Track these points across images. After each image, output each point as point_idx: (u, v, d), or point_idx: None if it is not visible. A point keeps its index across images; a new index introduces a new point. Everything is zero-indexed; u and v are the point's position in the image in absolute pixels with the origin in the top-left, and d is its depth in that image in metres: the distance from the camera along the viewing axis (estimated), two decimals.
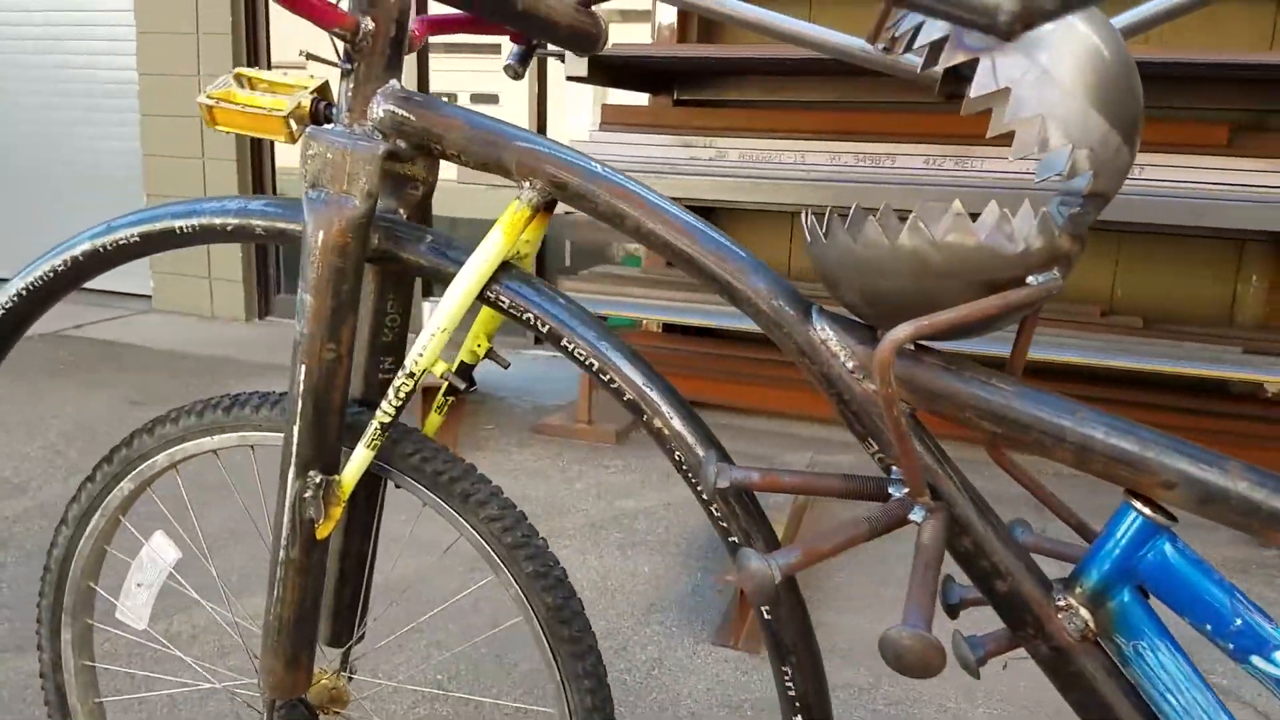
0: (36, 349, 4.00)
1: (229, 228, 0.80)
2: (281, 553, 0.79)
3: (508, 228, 0.73)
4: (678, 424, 0.73)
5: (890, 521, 0.62)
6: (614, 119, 3.42)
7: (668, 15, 3.43)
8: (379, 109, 0.74)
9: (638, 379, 0.73)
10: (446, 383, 0.85)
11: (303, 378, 0.75)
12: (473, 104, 4.46)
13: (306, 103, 0.76)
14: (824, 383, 0.68)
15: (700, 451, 0.72)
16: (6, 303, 0.87)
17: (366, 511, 0.89)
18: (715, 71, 3.39)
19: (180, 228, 0.81)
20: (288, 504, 0.78)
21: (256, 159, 4.55)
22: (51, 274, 0.85)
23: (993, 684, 1.83)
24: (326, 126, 0.74)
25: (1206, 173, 2.78)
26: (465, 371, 0.86)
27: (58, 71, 4.90)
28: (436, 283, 0.78)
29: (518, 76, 1.01)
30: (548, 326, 0.74)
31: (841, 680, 1.83)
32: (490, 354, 0.84)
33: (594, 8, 0.99)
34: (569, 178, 0.71)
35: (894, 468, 0.68)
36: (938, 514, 0.61)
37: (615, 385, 0.73)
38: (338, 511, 0.78)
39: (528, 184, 0.73)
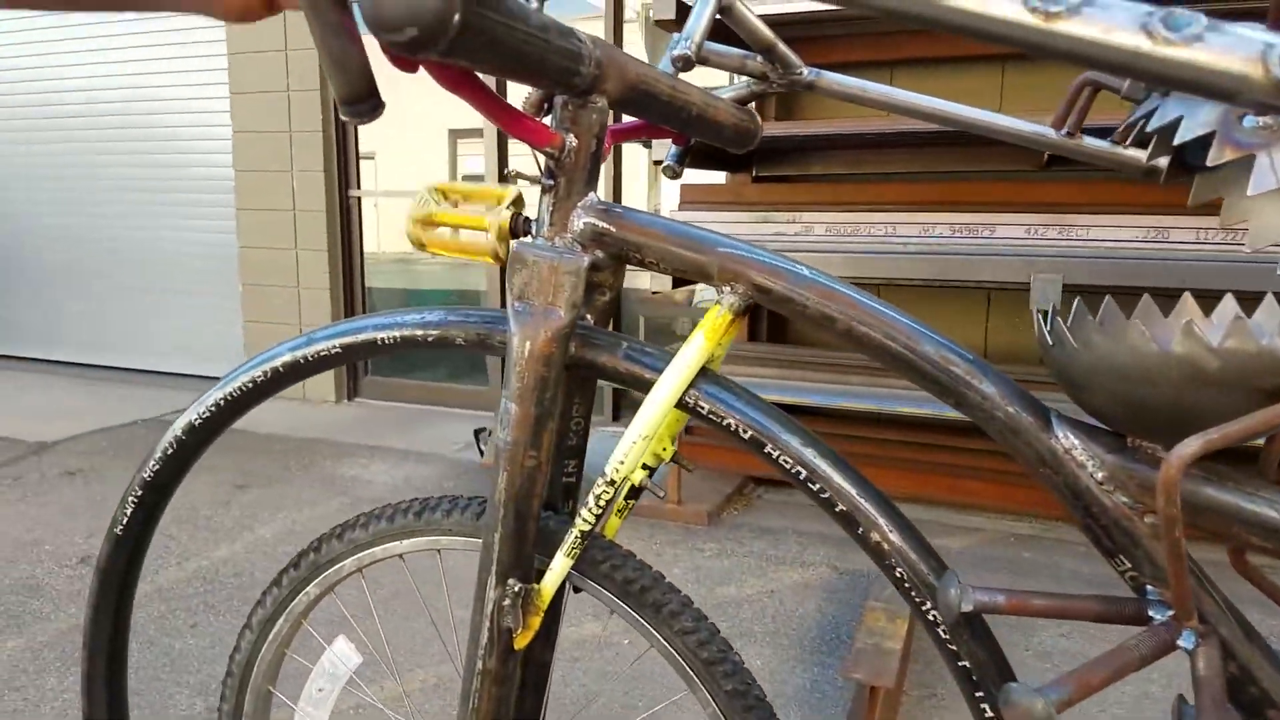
0: (138, 434, 4.12)
1: (430, 338, 0.81)
2: (478, 662, 0.78)
3: (709, 333, 0.73)
4: (897, 538, 0.70)
5: (1158, 649, 0.58)
6: (694, 198, 3.46)
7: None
8: (579, 222, 0.75)
9: (851, 489, 0.71)
10: (629, 485, 0.84)
11: (504, 485, 0.75)
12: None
13: (507, 220, 0.78)
14: (1068, 494, 0.65)
15: (925, 568, 0.69)
16: (204, 413, 0.89)
17: (549, 618, 0.88)
18: (795, 148, 3.41)
19: (381, 339, 0.82)
20: (486, 613, 0.77)
21: (346, 249, 4.69)
22: (250, 385, 0.87)
23: None
24: (529, 240, 0.75)
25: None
26: (650, 473, 0.85)
27: (159, 171, 5.14)
28: (633, 389, 0.77)
29: (676, 175, 1.02)
30: (749, 434, 0.73)
31: None
32: (675, 458, 0.83)
33: (749, 105, 1.01)
34: (774, 282, 0.71)
35: (1148, 586, 0.65)
36: (1209, 640, 0.57)
37: (825, 496, 0.71)
38: (537, 621, 0.77)
39: (729, 289, 0.72)
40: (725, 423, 0.74)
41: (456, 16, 0.48)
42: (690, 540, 2.91)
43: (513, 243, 0.75)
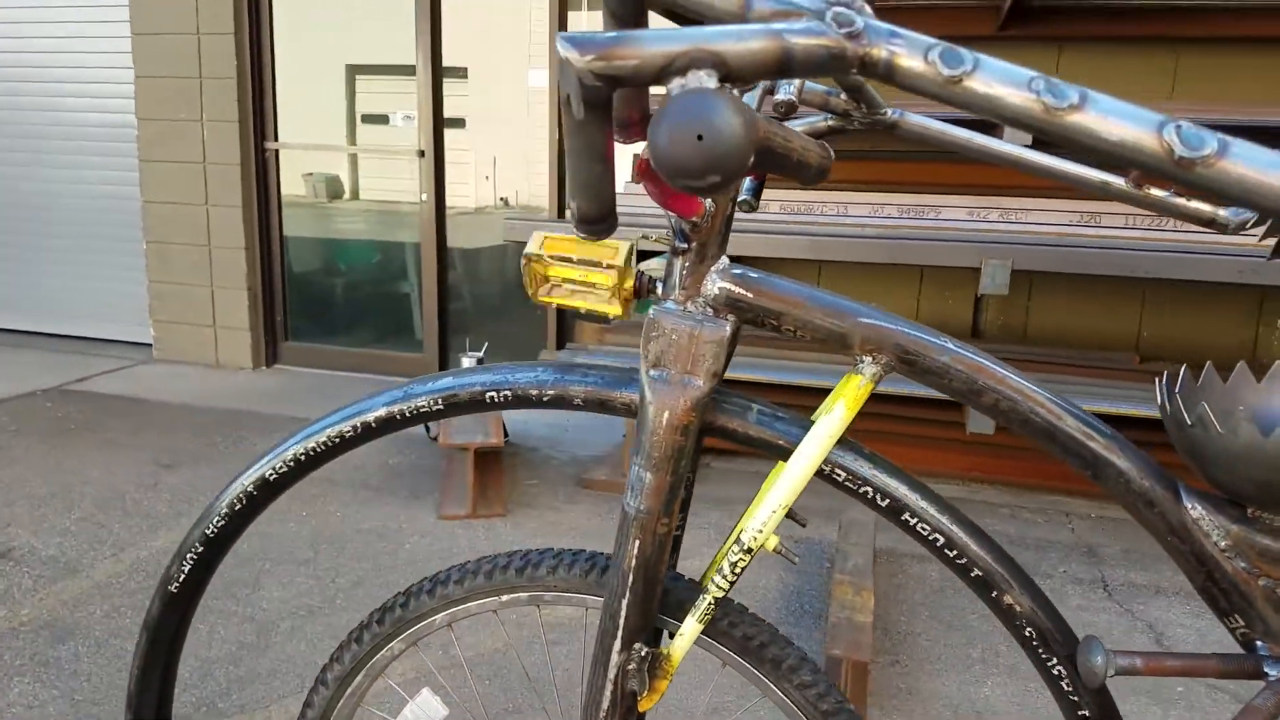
0: (40, 406, 3.88)
1: (545, 398, 0.78)
2: None
3: (851, 402, 0.73)
4: (1029, 603, 0.73)
5: (1245, 671, 0.64)
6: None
7: None
8: (714, 286, 0.73)
9: (987, 555, 0.73)
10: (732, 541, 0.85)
11: (635, 553, 0.74)
12: (405, 123, 4.43)
13: (631, 281, 0.75)
14: (1193, 560, 0.68)
15: (1056, 630, 0.72)
16: (281, 467, 0.84)
17: None
18: None
19: (490, 397, 0.79)
20: (610, 677, 0.77)
21: (263, 205, 4.48)
22: (337, 439, 0.83)
23: None
24: (670, 307, 0.73)
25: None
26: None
27: (53, 115, 4.78)
28: (766, 453, 0.77)
29: (753, 209, 1.01)
30: (887, 501, 0.74)
31: None
32: (790, 513, 0.83)
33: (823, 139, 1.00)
34: (919, 353, 0.71)
35: (1259, 642, 0.69)
36: None
37: (962, 562, 0.73)
38: (664, 685, 0.77)
39: (869, 358, 0.72)
40: (862, 491, 0.74)
41: (751, 159, 0.47)
42: None
43: (651, 309, 0.73)
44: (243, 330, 4.52)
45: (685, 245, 0.72)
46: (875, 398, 3.26)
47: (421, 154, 4.28)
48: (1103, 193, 0.96)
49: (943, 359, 0.71)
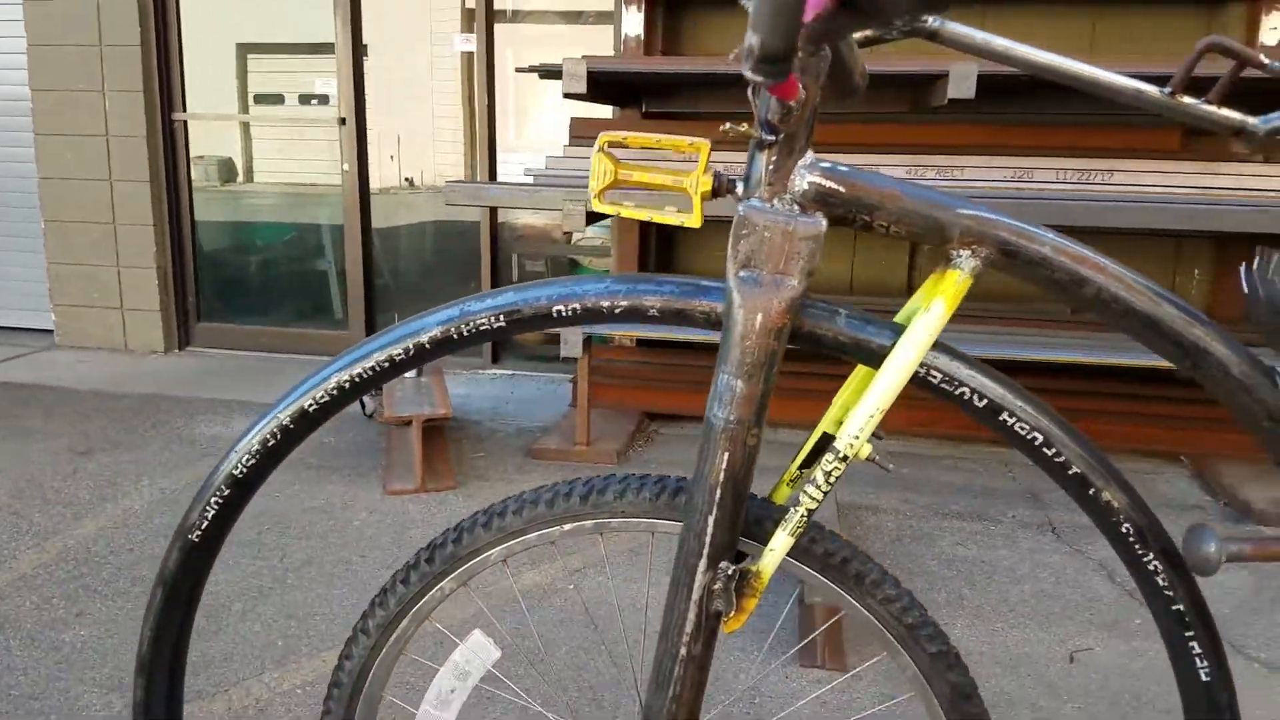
0: None
1: (617, 309, 0.73)
2: (681, 649, 0.74)
3: (950, 300, 0.70)
4: (1127, 498, 0.72)
5: None
6: (584, 132, 3.36)
7: (634, 26, 3.39)
8: (803, 180, 0.69)
9: (1085, 453, 0.72)
10: (805, 452, 0.82)
11: (724, 465, 0.70)
12: (301, 104, 4.28)
13: (710, 180, 0.71)
14: None
15: (1152, 523, 0.71)
16: (323, 396, 0.77)
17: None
18: (685, 83, 3.38)
19: (558, 310, 0.74)
20: (694, 598, 0.73)
21: (171, 180, 4.24)
22: (387, 363, 0.76)
23: (1074, 682, 1.90)
24: (758, 203, 0.69)
25: (1158, 176, 2.97)
26: (828, 443, 0.82)
27: None
28: (859, 359, 0.74)
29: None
30: (985, 401, 0.72)
31: None
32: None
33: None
34: (1023, 244, 0.69)
35: None
36: None
37: (1060, 459, 0.72)
38: (753, 603, 0.73)
39: (969, 252, 0.70)
40: (959, 392, 0.72)
41: None
42: None
43: (740, 206, 0.69)
44: (152, 312, 4.28)
45: (773, 137, 0.68)
46: (809, 357, 3.28)
47: (343, 121, 4.12)
48: (1136, 101, 0.96)
49: (1044, 250, 0.69)
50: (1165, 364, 2.69)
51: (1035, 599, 2.24)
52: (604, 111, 3.56)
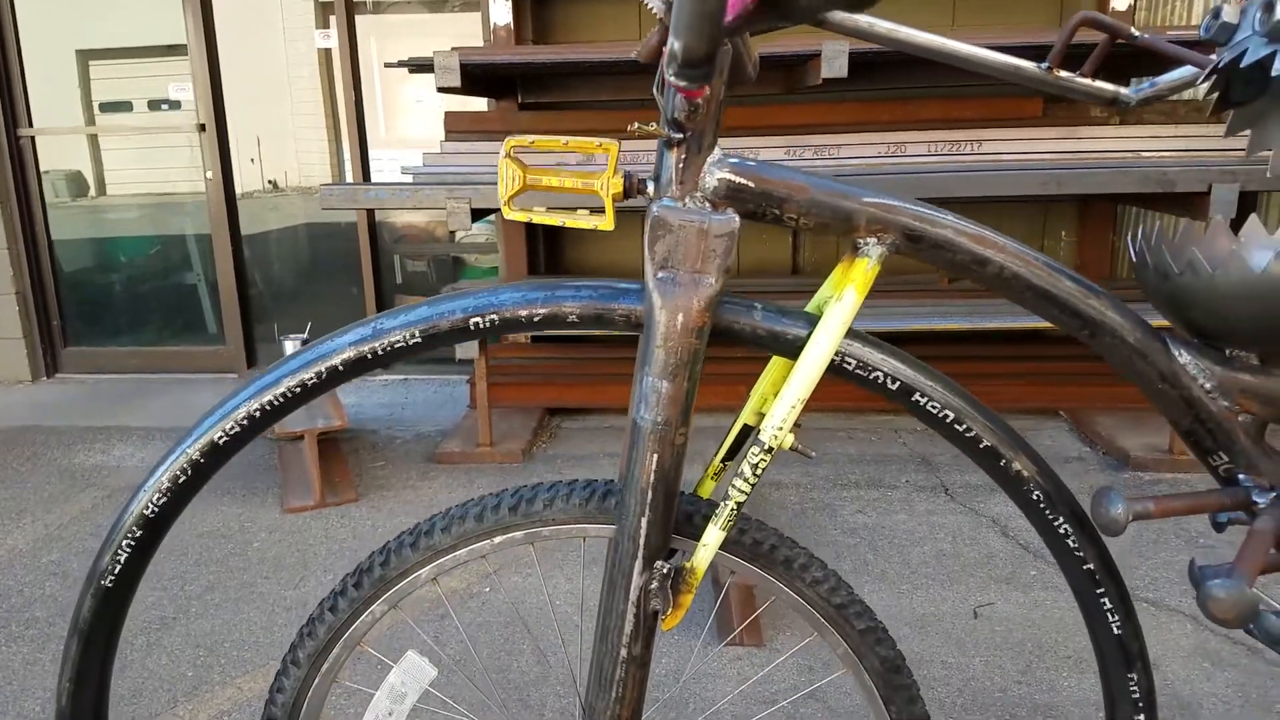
0: None
1: (536, 318, 0.72)
2: (622, 650, 0.74)
3: (861, 287, 0.72)
4: (1035, 467, 0.75)
5: (1239, 502, 0.70)
6: (460, 127, 3.31)
7: (502, 15, 3.34)
8: (713, 177, 0.70)
9: (995, 426, 0.75)
10: (726, 445, 0.83)
11: (654, 467, 0.71)
12: (152, 110, 4.11)
13: (620, 182, 0.71)
14: (1181, 405, 0.73)
15: (1059, 488, 0.75)
16: (233, 428, 0.73)
17: None
18: (563, 73, 3.36)
19: (475, 323, 0.72)
20: (631, 599, 0.73)
21: (23, 199, 3.97)
22: (298, 388, 0.73)
23: (980, 636, 1.99)
24: (670, 203, 0.69)
25: (1023, 144, 3.12)
26: (747, 435, 0.84)
27: None
28: (775, 352, 0.75)
29: None
30: (898, 384, 0.74)
31: None
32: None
33: None
34: (926, 229, 0.71)
35: (1240, 475, 0.74)
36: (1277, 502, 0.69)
37: (971, 434, 0.75)
38: (689, 599, 0.74)
39: (875, 239, 0.72)
40: (873, 377, 0.74)
41: None
42: (510, 479, 2.87)
43: (653, 206, 0.69)
44: (15, 339, 4.02)
45: (680, 135, 0.69)
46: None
47: (202, 128, 3.93)
48: (1015, 77, 1.00)
49: (946, 233, 0.71)
50: (1039, 324, 2.83)
51: (936, 559, 2.33)
52: (479, 104, 3.51)
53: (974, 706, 1.77)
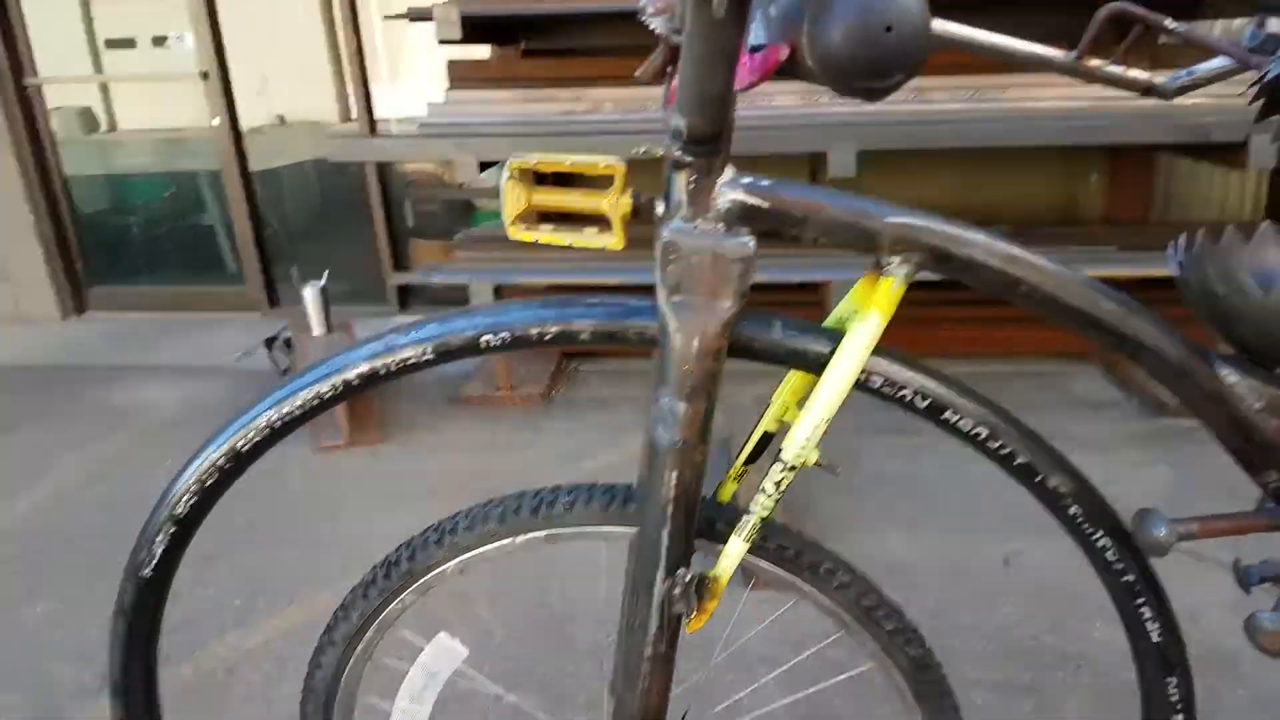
0: None
1: (547, 336, 0.71)
2: (648, 649, 0.76)
3: (885, 309, 0.69)
4: (1071, 482, 0.74)
5: None
6: (463, 75, 3.22)
7: None
8: (726, 198, 0.67)
9: (1030, 442, 0.73)
10: (747, 450, 0.82)
11: (675, 484, 0.70)
12: (155, 47, 4.02)
13: (629, 203, 0.68)
14: (1230, 424, 0.71)
15: (1101, 505, 0.73)
16: (254, 436, 0.74)
17: None
18: (564, 19, 3.22)
19: (487, 341, 0.71)
20: (654, 605, 0.74)
21: (36, 148, 3.96)
22: (315, 401, 0.73)
23: (1010, 584, 1.99)
24: (682, 225, 0.66)
25: (1050, 90, 2.97)
26: (768, 441, 0.83)
27: None
28: (798, 368, 0.73)
29: None
30: (928, 402, 0.72)
31: None
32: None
33: None
34: (954, 249, 0.68)
35: None
36: None
37: (1005, 452, 0.73)
38: (714, 605, 0.74)
39: (900, 258, 0.69)
40: (900, 395, 0.72)
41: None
42: (533, 423, 2.89)
43: (663, 230, 0.66)
44: (42, 282, 4.06)
45: (690, 157, 0.66)
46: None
47: (205, 75, 3.87)
48: (1046, 67, 0.95)
49: (975, 252, 0.68)
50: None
51: (966, 506, 2.32)
52: (481, 51, 3.42)
53: (1003, 657, 1.79)
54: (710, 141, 0.45)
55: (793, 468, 0.71)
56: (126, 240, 4.26)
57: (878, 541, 2.18)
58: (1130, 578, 0.75)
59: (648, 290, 0.71)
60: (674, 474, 0.70)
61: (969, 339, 3.15)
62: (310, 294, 3.00)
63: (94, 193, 4.23)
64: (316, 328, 3.06)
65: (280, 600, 1.98)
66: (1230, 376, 0.70)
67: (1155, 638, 0.77)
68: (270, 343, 3.28)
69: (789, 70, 0.48)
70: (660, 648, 0.76)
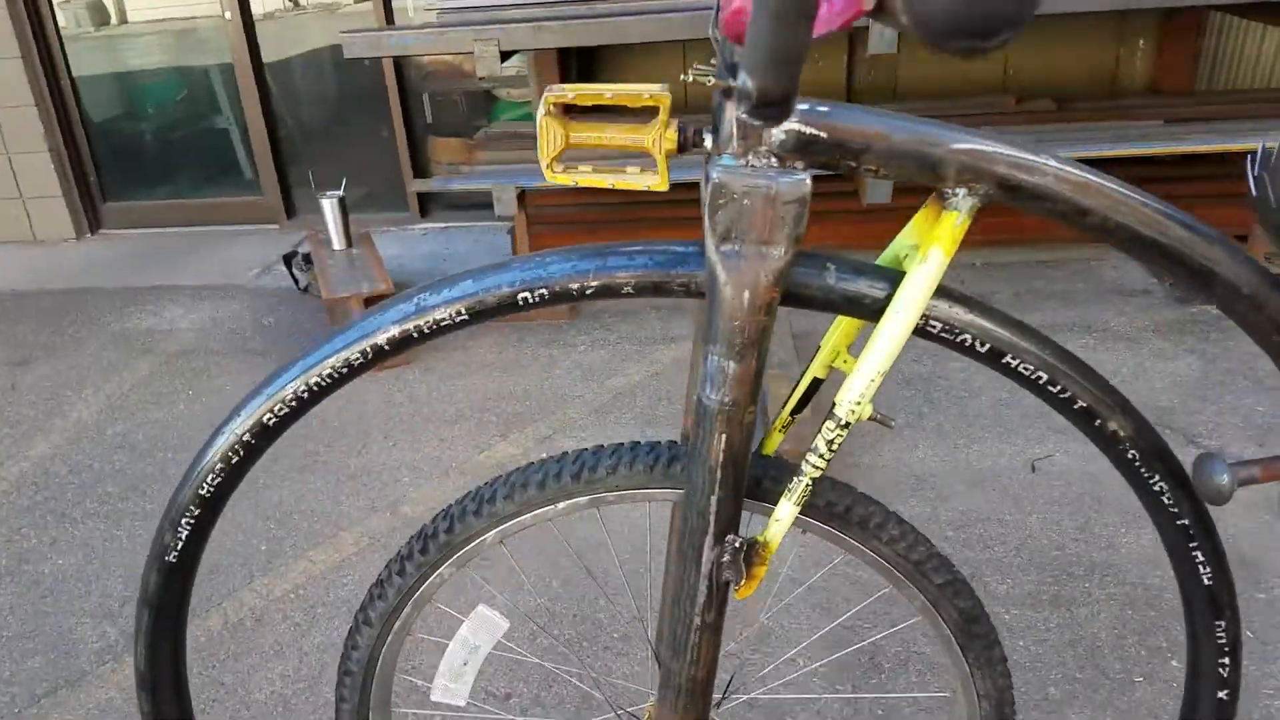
0: None
1: (589, 289, 0.67)
2: (696, 618, 0.73)
3: (949, 246, 0.64)
4: (1131, 425, 0.70)
5: None
6: None
7: None
8: (780, 130, 0.61)
9: (1091, 385, 0.69)
10: (795, 398, 0.78)
11: (723, 447, 0.66)
12: None
13: (674, 136, 0.62)
14: None
15: (1160, 447, 0.70)
16: (280, 409, 0.71)
17: None
18: None
19: (524, 298, 0.67)
20: (704, 572, 0.71)
21: (44, 52, 3.85)
22: (344, 368, 0.70)
23: (1037, 491, 1.98)
24: (731, 163, 0.61)
25: None
26: (817, 388, 0.79)
27: None
28: (854, 315, 0.68)
29: None
30: (987, 346, 0.68)
31: (905, 512, 1.93)
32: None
33: None
34: (1024, 178, 0.63)
35: None
36: None
37: (1066, 396, 0.69)
38: (763, 571, 0.72)
39: (964, 190, 0.64)
40: (960, 339, 0.68)
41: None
42: (561, 338, 2.86)
43: (712, 171, 0.61)
44: (55, 198, 4.00)
45: (759, 120, 0.60)
46: None
47: None
48: None
49: (1047, 180, 0.63)
50: (1094, 152, 2.65)
51: (993, 410, 2.30)
52: None
53: (1030, 565, 1.78)
54: (782, 103, 0.40)
55: (846, 424, 0.67)
56: (139, 149, 4.17)
57: (907, 450, 2.16)
58: (1185, 521, 0.72)
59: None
60: (723, 436, 0.66)
61: (997, 225, 3.07)
62: (328, 206, 2.94)
63: (105, 95, 4.11)
64: (336, 241, 3.01)
65: (306, 542, 1.98)
66: None
67: (1207, 581, 0.75)
68: (289, 259, 3.24)
69: (872, 16, 0.42)
70: (709, 616, 0.73)
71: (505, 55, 2.54)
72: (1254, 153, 0.69)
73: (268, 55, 3.92)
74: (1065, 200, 0.63)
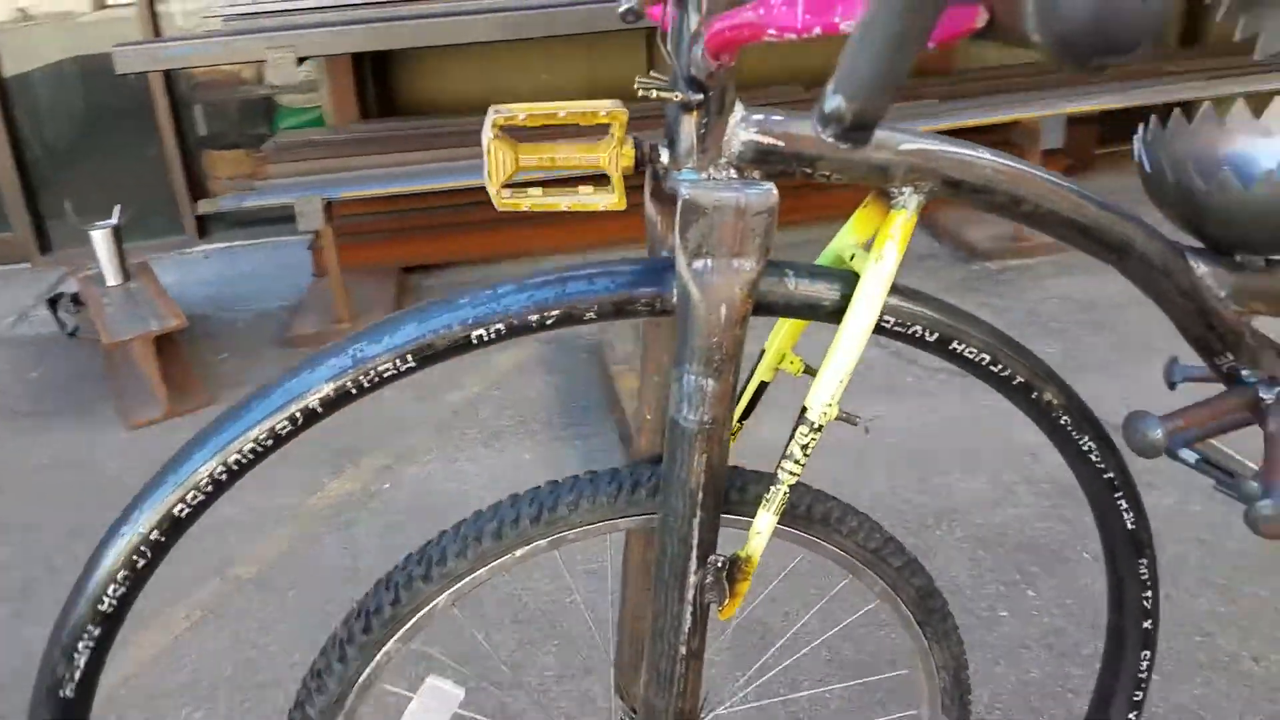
0: None
1: (549, 319, 0.62)
2: (681, 648, 0.71)
3: (901, 243, 0.65)
4: (1062, 395, 0.75)
5: (1250, 401, 0.73)
6: None
7: None
8: (738, 140, 0.60)
9: (1026, 361, 0.73)
10: (743, 404, 0.79)
11: (703, 468, 0.65)
12: None
13: (631, 153, 0.60)
14: (1196, 314, 0.74)
15: (1089, 414, 0.75)
16: (193, 497, 0.63)
17: None
18: None
19: (478, 335, 0.62)
20: (687, 599, 0.69)
21: None
22: (270, 440, 0.62)
23: (876, 453, 2.08)
24: (693, 177, 0.59)
25: None
26: (763, 392, 0.79)
27: None
28: (814, 319, 0.68)
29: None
30: (936, 335, 0.70)
31: None
32: (810, 370, 0.77)
33: None
34: (964, 175, 0.65)
35: (1244, 372, 0.76)
36: None
37: (1006, 374, 0.72)
38: (745, 587, 0.70)
39: (910, 189, 0.65)
40: (911, 331, 0.69)
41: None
42: None
43: (681, 189, 0.59)
44: None
45: (701, 95, 0.58)
46: None
47: None
48: None
49: (985, 174, 0.65)
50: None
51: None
52: None
53: (885, 522, 1.87)
54: (870, 129, 0.38)
55: (819, 428, 0.68)
56: None
57: (753, 424, 2.21)
58: (1110, 474, 0.78)
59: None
60: (704, 457, 0.64)
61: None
62: (99, 238, 2.64)
63: (27, 89, 3.52)
64: (111, 276, 2.71)
65: (128, 625, 1.70)
66: (1200, 268, 0.72)
67: (1130, 525, 0.81)
68: (54, 302, 2.89)
69: (982, 35, 0.41)
70: (694, 643, 0.71)
71: (301, 60, 2.37)
72: (1141, 127, 0.75)
73: (5, 70, 3.46)
74: (1002, 191, 0.66)
